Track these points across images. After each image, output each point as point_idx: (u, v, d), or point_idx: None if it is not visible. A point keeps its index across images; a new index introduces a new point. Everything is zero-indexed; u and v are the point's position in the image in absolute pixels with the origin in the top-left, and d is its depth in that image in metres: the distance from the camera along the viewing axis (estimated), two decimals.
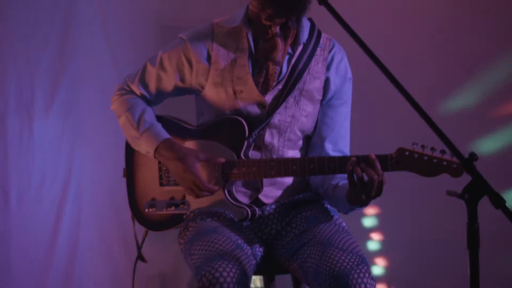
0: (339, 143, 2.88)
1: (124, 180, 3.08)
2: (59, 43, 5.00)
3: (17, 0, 4.80)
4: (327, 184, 2.80)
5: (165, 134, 2.81)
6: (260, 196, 2.84)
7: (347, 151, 2.90)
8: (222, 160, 2.74)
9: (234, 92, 2.78)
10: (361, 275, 2.43)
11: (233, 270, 2.40)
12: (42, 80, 4.93)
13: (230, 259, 2.43)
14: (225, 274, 2.37)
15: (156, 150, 2.77)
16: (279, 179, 2.83)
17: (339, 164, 2.56)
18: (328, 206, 2.91)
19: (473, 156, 2.10)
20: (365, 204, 2.58)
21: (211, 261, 2.43)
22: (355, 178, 2.49)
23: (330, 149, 2.86)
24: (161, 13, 5.08)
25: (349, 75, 2.91)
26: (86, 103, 5.15)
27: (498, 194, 2.07)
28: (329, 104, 2.87)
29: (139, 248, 3.07)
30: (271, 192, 2.85)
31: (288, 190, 2.89)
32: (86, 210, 5.10)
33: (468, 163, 2.10)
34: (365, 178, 2.48)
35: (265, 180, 2.81)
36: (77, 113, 5.11)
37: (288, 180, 2.87)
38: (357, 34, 2.31)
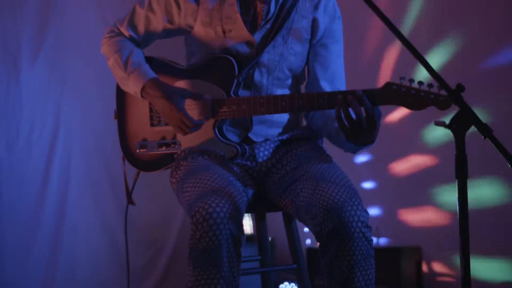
0: (335, 81, 2.89)
1: (113, 125, 3.07)
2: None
3: None
4: (330, 126, 2.81)
5: (152, 74, 2.81)
6: (250, 135, 2.85)
7: (343, 89, 2.90)
8: (209, 97, 2.76)
9: (223, 31, 2.78)
10: (354, 207, 2.45)
11: (226, 205, 2.42)
12: (28, 30, 4.93)
13: (223, 195, 2.45)
14: (218, 209, 2.39)
15: (142, 89, 2.78)
16: (268, 117, 2.84)
17: (328, 99, 2.57)
18: (320, 144, 2.93)
19: (460, 87, 2.12)
20: (367, 141, 2.60)
21: (204, 197, 2.45)
22: (343, 115, 2.50)
23: (327, 88, 2.87)
24: None
25: (338, 13, 2.90)
26: (72, 51, 5.16)
27: (485, 124, 2.09)
28: (320, 44, 2.87)
29: (128, 191, 3.08)
30: (261, 130, 2.86)
31: (278, 128, 2.90)
32: (75, 158, 5.14)
33: (456, 94, 2.12)
34: (353, 115, 2.50)
35: (254, 119, 2.82)
36: (64, 61, 5.12)
37: (278, 118, 2.88)
38: None
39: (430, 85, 2.38)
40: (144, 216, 5.49)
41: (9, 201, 4.74)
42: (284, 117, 2.90)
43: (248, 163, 2.85)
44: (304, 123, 3.04)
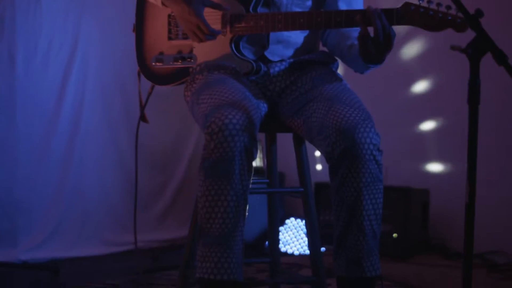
0: (353, 2, 2.89)
1: (130, 47, 3.09)
2: None
3: None
4: (342, 45, 2.81)
5: None
6: (266, 53, 2.86)
7: None
8: (228, 8, 2.76)
9: None
10: (367, 129, 2.47)
11: (242, 118, 2.44)
12: None
13: (238, 108, 2.47)
14: (234, 121, 2.42)
15: None
16: (285, 37, 2.85)
17: (346, 17, 2.57)
18: (334, 69, 2.94)
19: (479, 12, 2.12)
20: (378, 61, 2.60)
21: (220, 108, 2.47)
22: (363, 32, 2.51)
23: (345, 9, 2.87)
24: None
25: None
26: None
27: (501, 50, 2.09)
28: None
29: (142, 106, 3.10)
30: (278, 50, 2.87)
31: (295, 49, 2.90)
32: (91, 78, 5.15)
33: (473, 19, 2.12)
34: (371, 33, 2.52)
35: (271, 38, 2.82)
36: None
37: (295, 39, 2.88)
38: None
39: (448, 7, 2.39)
40: (156, 141, 5.54)
41: (24, 116, 4.78)
42: (301, 39, 2.91)
43: (263, 81, 2.86)
44: (320, 48, 3.05)
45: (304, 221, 4.31)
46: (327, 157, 2.55)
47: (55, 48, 4.93)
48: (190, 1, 2.74)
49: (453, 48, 2.16)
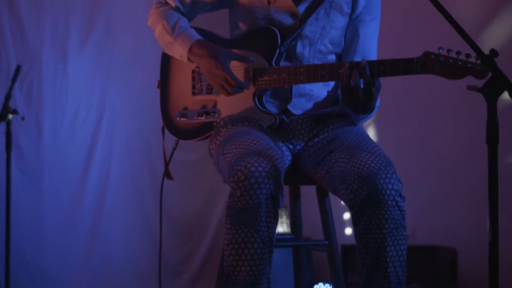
0: (367, 58, 2.91)
1: (157, 115, 3.12)
2: None
3: None
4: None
5: (198, 36, 2.85)
6: (289, 107, 2.88)
7: None
8: (254, 59, 2.80)
9: (268, 2, 2.83)
10: (389, 175, 2.47)
11: (268, 165, 2.44)
12: (78, 16, 5.04)
13: (263, 156, 2.48)
14: (260, 168, 2.42)
15: (189, 50, 2.82)
16: (308, 91, 2.87)
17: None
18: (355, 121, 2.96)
19: (493, 53, 2.14)
20: (363, 111, 2.66)
21: (245, 157, 2.48)
22: (344, 81, 2.55)
23: None
24: None
25: None
26: (120, 41, 5.25)
27: None
28: (358, 19, 2.91)
29: (166, 163, 3.12)
30: (300, 103, 2.89)
31: (317, 103, 2.92)
32: (117, 147, 5.21)
33: (489, 59, 2.14)
34: (352, 83, 2.56)
35: (294, 92, 2.84)
36: (112, 50, 5.20)
37: (317, 92, 2.91)
38: None
39: (467, 55, 2.40)
40: (181, 209, 5.55)
41: (51, 186, 4.84)
42: (323, 92, 2.94)
43: (286, 134, 2.89)
44: None
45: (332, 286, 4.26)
46: (350, 204, 2.55)
47: (81, 117, 5.01)
48: (216, 55, 2.79)
49: (469, 88, 2.18)
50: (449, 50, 2.44)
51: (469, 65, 2.41)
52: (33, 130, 4.76)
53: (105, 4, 5.13)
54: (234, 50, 2.86)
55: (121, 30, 5.23)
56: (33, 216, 4.72)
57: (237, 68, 2.84)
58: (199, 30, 2.98)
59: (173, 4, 2.99)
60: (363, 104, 2.60)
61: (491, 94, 2.14)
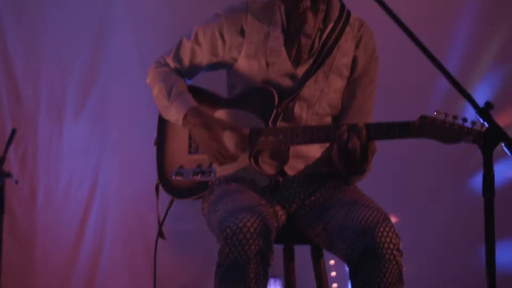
0: (363, 120, 2.92)
1: (151, 185, 3.12)
2: (91, 48, 5.16)
3: (53, 5, 4.96)
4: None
5: (194, 103, 2.87)
6: (285, 168, 2.87)
7: None
8: (247, 130, 2.80)
9: (267, 64, 2.85)
10: (387, 229, 2.46)
11: (257, 222, 2.43)
12: (74, 84, 5.07)
13: (253, 213, 2.47)
14: (249, 224, 2.41)
15: (184, 117, 2.83)
16: (304, 152, 2.87)
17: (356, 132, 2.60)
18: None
19: (488, 105, 2.14)
20: (356, 172, 2.66)
21: (235, 213, 2.47)
22: (341, 143, 2.56)
23: None
24: (192, 18, 5.21)
25: (376, 54, 2.96)
26: (115, 108, 5.26)
27: None
28: (355, 82, 2.92)
29: (160, 223, 3.09)
30: (297, 164, 2.88)
31: (313, 164, 2.91)
32: (111, 214, 5.16)
33: (484, 111, 2.14)
34: (349, 146, 2.56)
35: (291, 152, 2.84)
36: (107, 118, 5.22)
37: (314, 154, 2.90)
38: None
39: (464, 119, 2.39)
40: (176, 281, 5.48)
41: (43, 253, 4.79)
42: (319, 154, 2.93)
43: (281, 193, 2.87)
44: None
45: None
46: (347, 258, 2.53)
47: (76, 183, 5.00)
48: (209, 125, 2.79)
49: (465, 140, 2.18)
50: (446, 114, 2.43)
51: (465, 130, 2.39)
52: (27, 194, 4.74)
53: (101, 71, 5.17)
54: (231, 111, 2.88)
55: (117, 97, 5.25)
56: (22, 282, 4.64)
57: (233, 134, 2.84)
58: (196, 89, 3.00)
59: (172, 65, 3.02)
60: (357, 166, 2.61)
61: (487, 146, 2.13)
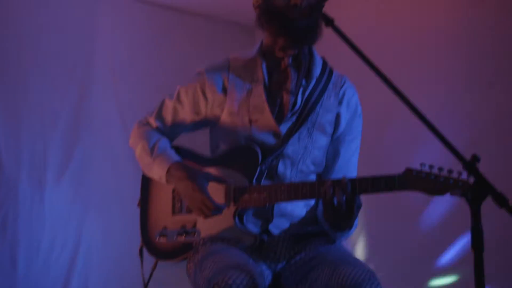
0: (348, 176, 2.91)
1: (134, 250, 3.09)
2: (73, 111, 5.15)
3: (34, 69, 4.96)
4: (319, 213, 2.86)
5: (177, 157, 2.86)
6: (270, 227, 2.84)
7: None
8: (232, 181, 2.78)
9: (250, 121, 2.84)
10: (373, 287, 2.45)
11: (246, 279, 2.41)
12: (55, 147, 5.03)
13: (242, 270, 2.45)
14: (238, 281, 2.39)
15: (167, 171, 2.82)
16: (289, 211, 2.85)
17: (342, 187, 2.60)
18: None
19: (475, 158, 2.14)
20: (343, 227, 2.65)
21: (223, 271, 2.45)
22: (327, 198, 2.54)
23: None
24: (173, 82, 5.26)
25: (359, 111, 2.97)
26: (98, 171, 5.22)
27: (502, 193, 2.09)
28: (339, 139, 2.92)
29: (145, 284, 3.05)
30: (281, 223, 2.86)
31: (298, 222, 2.89)
32: (93, 279, 5.09)
33: (470, 164, 2.14)
34: (335, 201, 2.55)
35: (275, 212, 2.82)
36: (89, 180, 5.18)
37: (299, 212, 2.88)
38: (363, 53, 2.39)
39: (450, 171, 2.39)
40: None
41: None
42: (304, 212, 2.91)
43: (266, 253, 2.84)
44: None
45: None
46: None
47: (57, 250, 4.93)
48: (193, 178, 2.78)
49: (453, 193, 2.17)
50: (431, 166, 2.43)
51: (451, 181, 2.39)
52: (7, 261, 4.65)
53: (83, 135, 5.15)
54: (215, 169, 2.86)
55: (99, 161, 5.23)
56: None
57: (218, 187, 2.82)
58: (179, 149, 3.00)
59: (154, 125, 3.01)
60: (343, 221, 2.59)
61: (474, 199, 2.13)
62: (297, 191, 2.69)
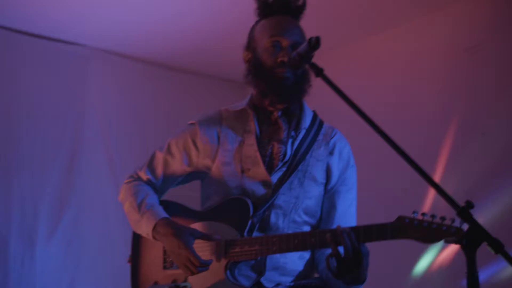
0: (346, 222, 2.89)
1: None
2: (64, 171, 5.15)
3: (25, 129, 4.97)
4: (321, 268, 2.82)
5: (164, 214, 2.83)
6: (262, 280, 2.81)
7: None
8: (218, 237, 2.75)
9: (242, 170, 2.84)
10: None
11: None
12: (47, 204, 5.02)
13: None
14: None
15: (154, 228, 2.79)
16: (282, 264, 2.81)
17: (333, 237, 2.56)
18: None
19: (469, 204, 2.12)
20: (357, 280, 2.58)
21: None
22: (334, 251, 2.50)
23: None
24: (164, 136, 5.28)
25: (352, 161, 2.96)
26: (89, 231, 5.20)
27: (496, 239, 2.07)
28: (334, 191, 2.91)
29: None
30: (274, 276, 2.82)
31: (291, 276, 2.86)
32: None
33: (464, 210, 2.12)
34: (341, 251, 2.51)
35: (268, 265, 2.78)
36: (80, 239, 5.14)
37: (292, 265, 2.84)
38: (354, 102, 2.38)
39: (442, 218, 2.36)
40: None
41: None
42: (298, 266, 2.87)
43: None
44: (316, 274, 3.01)
45: None
46: None
47: None
48: (179, 235, 2.74)
49: (447, 241, 2.15)
50: (423, 214, 2.41)
51: (444, 228, 2.37)
52: None
53: (74, 191, 5.14)
54: (205, 223, 2.83)
55: (90, 217, 5.21)
56: None
57: (206, 242, 2.79)
58: (168, 204, 2.96)
59: (144, 178, 2.98)
60: (355, 272, 2.51)
61: (469, 246, 2.11)
62: (289, 242, 2.65)
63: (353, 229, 2.51)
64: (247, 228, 2.76)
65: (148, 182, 2.99)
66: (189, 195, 3.29)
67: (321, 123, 2.95)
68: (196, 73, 6.15)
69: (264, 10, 2.91)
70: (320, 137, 2.91)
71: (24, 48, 5.13)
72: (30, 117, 5.01)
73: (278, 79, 2.73)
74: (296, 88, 2.78)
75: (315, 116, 2.96)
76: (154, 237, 2.81)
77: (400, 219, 2.46)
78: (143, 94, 5.75)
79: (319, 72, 2.49)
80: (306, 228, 2.89)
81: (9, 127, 4.89)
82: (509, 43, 4.71)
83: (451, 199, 2.17)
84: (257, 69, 2.80)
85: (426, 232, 2.41)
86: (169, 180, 3.00)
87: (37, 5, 4.89)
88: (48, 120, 5.11)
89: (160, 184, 3.00)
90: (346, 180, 2.94)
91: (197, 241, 2.76)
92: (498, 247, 2.06)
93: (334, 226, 2.88)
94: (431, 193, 2.31)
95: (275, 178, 2.83)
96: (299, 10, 2.92)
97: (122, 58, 5.66)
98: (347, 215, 2.93)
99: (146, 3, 4.95)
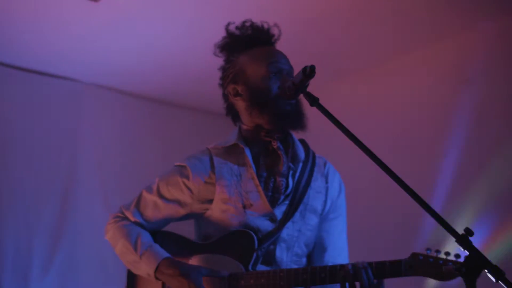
0: (338, 257, 2.84)
1: None
2: (58, 207, 5.12)
3: (19, 166, 4.94)
4: None
5: (165, 253, 2.74)
6: None
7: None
8: (226, 273, 2.69)
9: (244, 206, 2.79)
10: None
11: None
12: (41, 242, 4.98)
13: None
14: None
15: (157, 269, 2.70)
16: None
17: (354, 272, 2.51)
18: None
19: (468, 231, 2.09)
20: None
21: None
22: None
23: (331, 264, 2.81)
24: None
25: (343, 187, 2.93)
26: (83, 268, 5.15)
27: (497, 266, 2.04)
28: (325, 218, 2.87)
29: None
30: None
31: None
32: None
33: (464, 238, 2.09)
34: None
35: None
36: (75, 276, 5.09)
37: None
38: (350, 131, 2.37)
39: (457, 255, 2.33)
40: None
41: None
42: None
43: None
44: None
45: None
46: None
47: None
48: (187, 273, 2.66)
49: (446, 269, 2.12)
50: (437, 251, 2.38)
51: (442, 261, 2.34)
52: None
53: (68, 230, 5.10)
54: (208, 257, 2.76)
55: (84, 256, 5.17)
56: None
57: (212, 279, 2.73)
58: (165, 235, 2.88)
59: (132, 219, 2.86)
60: None
61: (469, 274, 2.08)
62: (297, 277, 2.58)
63: (392, 262, 2.45)
64: (252, 261, 2.70)
65: (136, 224, 2.90)
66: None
67: (313, 154, 2.93)
68: (192, 109, 6.14)
69: (244, 42, 2.87)
70: (316, 168, 2.88)
71: (17, 83, 5.12)
72: (24, 152, 4.98)
73: (286, 105, 2.72)
74: (300, 115, 2.76)
75: (305, 145, 2.93)
76: (156, 278, 2.74)
77: (414, 255, 2.42)
78: (138, 129, 5.75)
79: (315, 101, 2.46)
80: (304, 259, 2.85)
81: (2, 163, 4.86)
82: (504, 75, 4.73)
83: (450, 228, 2.14)
84: (259, 100, 2.78)
85: (441, 269, 2.36)
86: (160, 223, 2.90)
87: (30, 41, 4.92)
88: (41, 156, 5.09)
89: (151, 227, 2.89)
90: (337, 207, 2.91)
91: (203, 278, 2.70)
92: (498, 274, 2.03)
93: (326, 252, 2.86)
94: (430, 221, 2.27)
95: (278, 211, 2.78)
96: (276, 39, 2.91)
97: (115, 92, 5.65)
98: (339, 241, 2.91)
99: (138, 43, 5.01)
